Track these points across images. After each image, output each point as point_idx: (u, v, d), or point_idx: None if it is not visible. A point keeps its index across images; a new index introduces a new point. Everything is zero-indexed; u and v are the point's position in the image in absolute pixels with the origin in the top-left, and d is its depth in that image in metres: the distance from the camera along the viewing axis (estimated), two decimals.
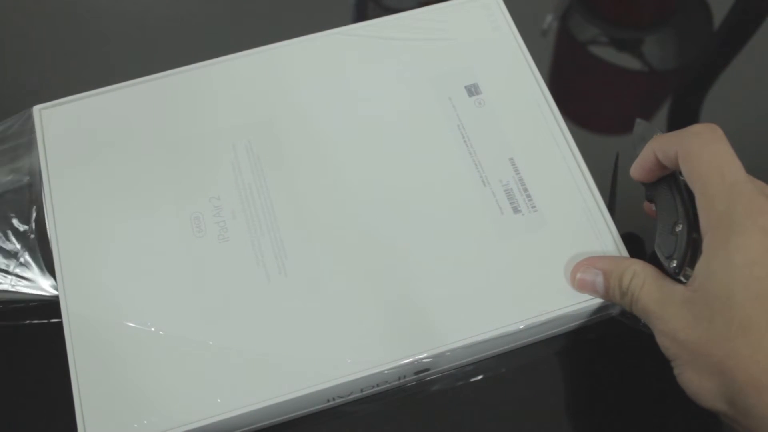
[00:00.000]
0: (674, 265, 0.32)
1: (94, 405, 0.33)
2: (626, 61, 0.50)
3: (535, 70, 0.41)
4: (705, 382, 0.29)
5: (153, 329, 0.34)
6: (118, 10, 0.51)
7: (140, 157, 0.39)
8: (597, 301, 0.35)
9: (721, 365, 0.28)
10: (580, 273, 0.35)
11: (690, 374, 0.30)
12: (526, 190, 0.38)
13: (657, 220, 0.34)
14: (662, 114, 0.48)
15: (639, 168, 0.35)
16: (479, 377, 0.37)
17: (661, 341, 0.31)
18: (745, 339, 0.27)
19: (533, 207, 0.37)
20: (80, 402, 0.33)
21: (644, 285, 0.32)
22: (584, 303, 0.35)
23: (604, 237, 0.36)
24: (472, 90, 0.41)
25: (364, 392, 0.35)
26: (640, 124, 0.37)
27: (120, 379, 0.33)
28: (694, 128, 0.32)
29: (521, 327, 0.34)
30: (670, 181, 0.34)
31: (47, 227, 0.37)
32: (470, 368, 0.37)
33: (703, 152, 0.31)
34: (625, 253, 0.36)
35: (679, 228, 0.33)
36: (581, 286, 0.35)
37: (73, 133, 0.39)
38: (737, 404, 0.28)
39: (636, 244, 0.40)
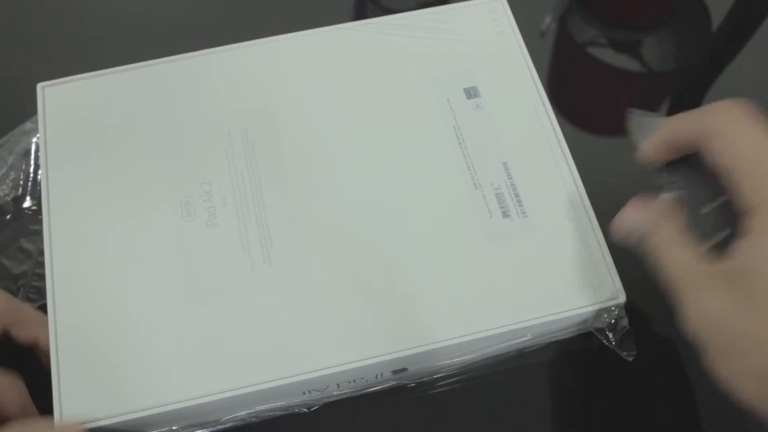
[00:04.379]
0: (704, 249, 0.30)
1: (71, 385, 0.33)
2: (625, 62, 0.50)
3: (535, 76, 0.41)
4: (749, 364, 0.26)
5: (136, 311, 0.34)
6: None
7: (138, 139, 0.39)
8: (582, 311, 0.35)
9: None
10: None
11: (728, 363, 0.27)
12: (517, 195, 0.38)
13: (682, 207, 0.32)
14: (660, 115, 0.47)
15: (651, 149, 0.32)
16: (459, 383, 0.37)
17: (693, 323, 0.28)
18: None
19: (523, 213, 0.37)
20: (58, 382, 0.33)
21: (673, 248, 0.30)
22: (567, 312, 0.35)
23: (592, 248, 0.36)
24: (471, 93, 0.41)
25: (341, 387, 0.35)
26: (635, 113, 0.34)
27: (101, 361, 0.33)
28: (721, 105, 0.30)
29: (501, 332, 0.34)
30: (688, 165, 0.32)
31: (42, 204, 0.37)
32: (451, 374, 0.37)
33: (738, 129, 0.29)
34: (611, 264, 0.36)
35: (705, 210, 0.31)
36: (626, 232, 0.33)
37: (73, 113, 0.40)
38: None
39: (627, 253, 0.39)
